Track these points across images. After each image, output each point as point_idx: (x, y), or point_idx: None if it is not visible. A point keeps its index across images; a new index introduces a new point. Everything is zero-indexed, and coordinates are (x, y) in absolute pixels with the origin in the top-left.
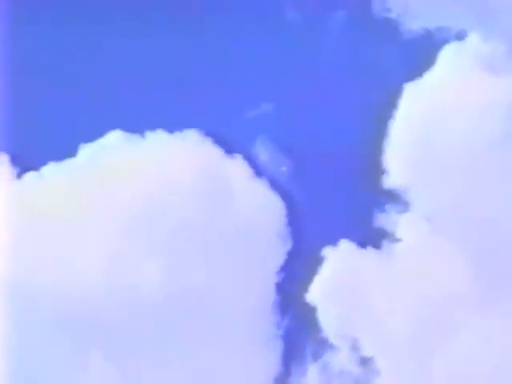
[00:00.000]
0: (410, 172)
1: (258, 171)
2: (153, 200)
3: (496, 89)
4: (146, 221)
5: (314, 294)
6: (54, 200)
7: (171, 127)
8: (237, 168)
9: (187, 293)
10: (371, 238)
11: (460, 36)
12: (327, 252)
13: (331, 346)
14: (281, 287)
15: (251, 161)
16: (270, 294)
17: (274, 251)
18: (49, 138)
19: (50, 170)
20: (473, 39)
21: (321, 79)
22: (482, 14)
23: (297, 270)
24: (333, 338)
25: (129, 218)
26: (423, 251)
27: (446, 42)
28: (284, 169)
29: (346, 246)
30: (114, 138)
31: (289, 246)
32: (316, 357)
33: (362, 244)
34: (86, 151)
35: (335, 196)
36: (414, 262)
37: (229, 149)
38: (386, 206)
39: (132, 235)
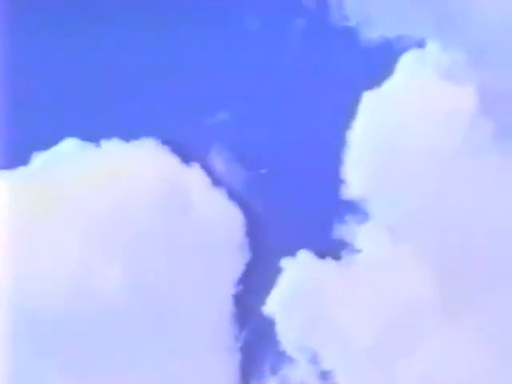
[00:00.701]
0: (370, 182)
1: (216, 180)
2: (110, 209)
3: (455, 97)
4: (103, 230)
5: (272, 305)
6: (6, 209)
7: (127, 135)
8: (195, 177)
9: (145, 304)
10: (331, 248)
11: (419, 45)
12: (286, 263)
13: (290, 359)
14: (239, 299)
15: (209, 170)
16: (228, 306)
17: (232, 262)
18: (0, 146)
19: (2, 177)
20: (432, 48)
21: (279, 87)
22: (441, 22)
23: (256, 282)
24: (292, 351)
25: (85, 227)
26: (383, 262)
27: (405, 50)
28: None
29: (304, 257)
30: (69, 146)
31: (248, 256)
32: (275, 370)
33: (322, 255)
34: (39, 159)
35: (294, 206)
36: (375, 273)
37: (186, 158)
38: (346, 217)
39: (89, 245)
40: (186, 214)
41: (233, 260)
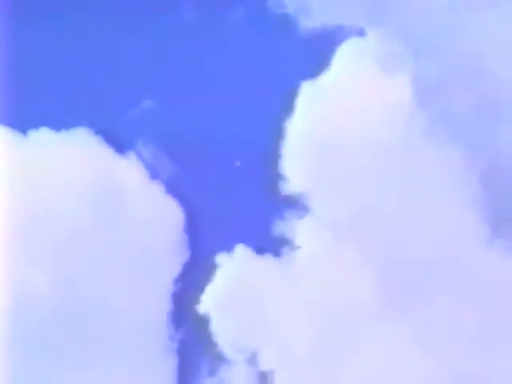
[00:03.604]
0: (309, 176)
1: (153, 173)
2: (38, 205)
3: (392, 88)
4: (31, 227)
5: (208, 304)
6: None
7: (56, 125)
8: (130, 169)
9: (78, 305)
10: (270, 244)
11: (358, 34)
12: (222, 259)
13: (227, 361)
14: (176, 298)
15: (145, 162)
16: (165, 306)
17: (169, 259)
18: None
19: None
20: (370, 38)
21: (215, 77)
22: (379, 13)
23: (193, 280)
24: (229, 352)
25: (11, 223)
26: (324, 259)
27: (343, 40)
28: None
29: (242, 253)
30: None
31: (185, 254)
32: (212, 372)
33: (260, 251)
34: None
35: (230, 202)
36: (315, 270)
37: (121, 148)
38: (286, 212)
39: (15, 243)
40: (121, 207)
41: (171, 257)
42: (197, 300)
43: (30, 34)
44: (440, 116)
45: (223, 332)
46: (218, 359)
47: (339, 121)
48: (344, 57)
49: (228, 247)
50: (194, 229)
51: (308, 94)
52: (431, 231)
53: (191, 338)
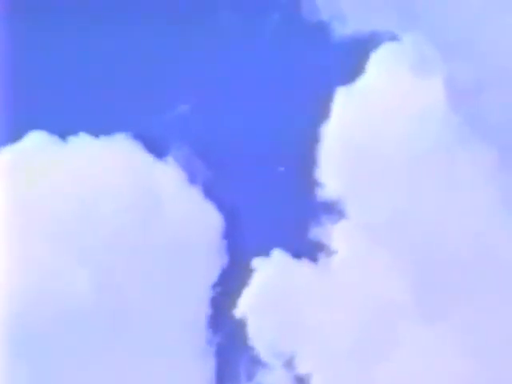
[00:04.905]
0: (344, 181)
1: (192, 177)
2: (77, 208)
3: (426, 92)
4: (70, 230)
5: (245, 308)
6: None
7: (95, 131)
8: (168, 173)
9: (116, 307)
10: (306, 249)
11: (392, 40)
12: (259, 263)
13: (264, 364)
14: (214, 302)
15: (183, 166)
16: (203, 310)
17: (207, 263)
18: None
19: None
20: (403, 43)
21: (251, 83)
22: (412, 18)
23: (231, 284)
24: (266, 355)
25: (51, 226)
26: (360, 262)
27: (377, 46)
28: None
29: (279, 257)
30: (36, 139)
31: (223, 258)
32: (249, 376)
33: (296, 255)
34: (5, 154)
35: (267, 207)
36: (351, 274)
37: (159, 154)
38: (322, 218)
39: (55, 245)
40: (159, 212)
41: (208, 262)
42: (234, 304)
43: (77, 37)
44: (473, 118)
45: (260, 336)
46: (255, 363)
47: (374, 125)
48: (378, 62)
49: (265, 251)
50: (231, 233)
51: (343, 100)
52: (466, 232)
53: (229, 342)
